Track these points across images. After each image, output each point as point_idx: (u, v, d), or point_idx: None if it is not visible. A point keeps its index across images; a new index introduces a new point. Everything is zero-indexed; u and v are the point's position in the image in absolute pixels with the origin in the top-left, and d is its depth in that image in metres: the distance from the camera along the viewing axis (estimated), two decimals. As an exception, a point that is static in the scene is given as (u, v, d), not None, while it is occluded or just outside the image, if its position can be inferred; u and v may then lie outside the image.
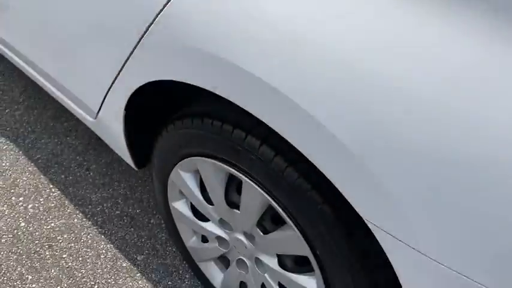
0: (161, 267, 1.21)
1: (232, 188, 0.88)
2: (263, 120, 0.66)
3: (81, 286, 1.16)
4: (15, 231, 1.27)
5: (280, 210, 0.77)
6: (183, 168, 0.93)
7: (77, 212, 1.32)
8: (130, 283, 1.17)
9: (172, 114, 0.90)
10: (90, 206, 1.34)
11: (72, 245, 1.24)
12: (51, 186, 1.38)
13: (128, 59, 0.84)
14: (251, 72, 0.63)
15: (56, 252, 1.23)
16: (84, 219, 1.30)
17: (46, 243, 1.24)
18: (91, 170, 1.43)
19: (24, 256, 1.21)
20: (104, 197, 1.36)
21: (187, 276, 1.20)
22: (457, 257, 0.54)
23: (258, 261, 0.91)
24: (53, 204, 1.33)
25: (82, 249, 1.23)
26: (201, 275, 1.13)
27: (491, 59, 0.50)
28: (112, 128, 1.07)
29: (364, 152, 0.56)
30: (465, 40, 0.51)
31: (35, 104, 1.65)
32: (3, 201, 1.34)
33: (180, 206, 1.02)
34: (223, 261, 1.06)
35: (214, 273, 1.09)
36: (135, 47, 0.81)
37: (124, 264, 1.21)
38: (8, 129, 1.56)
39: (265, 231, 0.84)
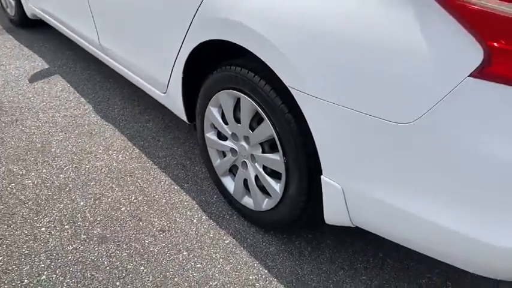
0: (199, 191, 1.86)
1: (237, 112, 1.55)
2: (266, 62, 1.31)
3: (150, 197, 1.82)
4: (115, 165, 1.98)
5: (262, 112, 1.42)
6: (212, 104, 1.62)
7: (151, 159, 2.02)
8: (178, 197, 1.82)
9: (208, 72, 1.62)
10: (160, 155, 2.04)
11: (148, 173, 1.93)
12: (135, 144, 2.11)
13: (186, 33, 1.57)
14: (252, 28, 1.31)
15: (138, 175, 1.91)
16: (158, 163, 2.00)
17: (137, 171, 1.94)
18: (160, 136, 2.16)
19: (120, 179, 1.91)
20: (168, 147, 2.06)
21: (215, 196, 1.83)
22: (340, 94, 1.13)
23: (252, 157, 1.55)
24: (137, 151, 2.05)
25: (155, 177, 1.91)
26: (222, 190, 1.76)
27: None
28: (174, 95, 1.80)
29: (279, 44, 1.21)
30: None
31: (130, 101, 2.45)
32: (106, 153, 2.07)
33: (210, 135, 1.70)
34: (234, 171, 1.69)
35: (229, 183, 1.72)
36: (190, 23, 1.54)
37: (176, 187, 1.86)
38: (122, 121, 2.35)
39: (252, 130, 1.49)
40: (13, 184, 1.87)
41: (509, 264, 1.02)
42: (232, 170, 1.72)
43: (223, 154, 1.71)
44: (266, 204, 1.56)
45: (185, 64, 1.64)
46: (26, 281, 1.46)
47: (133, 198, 1.81)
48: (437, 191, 1.05)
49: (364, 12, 1.05)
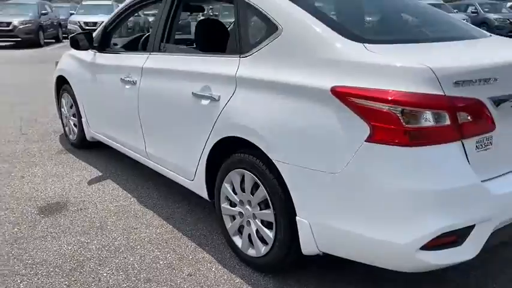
0: (217, 250, 2.51)
1: (242, 185, 2.30)
2: (259, 146, 2.11)
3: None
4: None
5: (260, 182, 2.16)
6: (225, 181, 2.38)
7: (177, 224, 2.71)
8: (201, 255, 2.47)
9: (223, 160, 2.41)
10: (187, 229, 2.72)
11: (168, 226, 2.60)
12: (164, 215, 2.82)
13: (209, 135, 2.39)
14: (252, 128, 2.13)
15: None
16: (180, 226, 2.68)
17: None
18: (184, 211, 2.87)
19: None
20: (186, 215, 2.76)
21: (223, 248, 2.48)
22: (300, 160, 1.90)
23: (253, 216, 2.25)
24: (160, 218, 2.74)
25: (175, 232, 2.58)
26: (233, 247, 2.42)
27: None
28: (199, 181, 2.57)
29: (266, 136, 2.01)
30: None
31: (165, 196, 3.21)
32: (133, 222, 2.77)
33: (225, 205, 2.43)
34: (241, 230, 2.37)
35: (238, 240, 2.39)
36: (212, 128, 2.36)
37: (199, 249, 2.52)
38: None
39: (253, 195, 2.22)
40: (81, 248, 2.56)
41: (406, 255, 1.66)
42: (240, 230, 2.40)
43: (234, 218, 2.42)
44: (264, 250, 2.22)
45: (207, 156, 2.45)
46: (95, 303, 2.08)
47: (168, 256, 2.47)
48: (361, 213, 1.75)
49: (308, 118, 1.86)
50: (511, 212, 1.81)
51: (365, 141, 1.69)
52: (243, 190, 2.29)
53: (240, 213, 2.34)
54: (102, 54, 3.59)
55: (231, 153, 2.34)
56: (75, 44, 3.56)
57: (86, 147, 4.26)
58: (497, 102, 1.75)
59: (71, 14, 18.83)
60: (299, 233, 2.00)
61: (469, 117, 1.68)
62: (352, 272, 2.29)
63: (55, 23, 17.68)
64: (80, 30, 15.60)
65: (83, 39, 3.55)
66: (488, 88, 1.73)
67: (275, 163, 2.01)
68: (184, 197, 3.20)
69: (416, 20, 2.57)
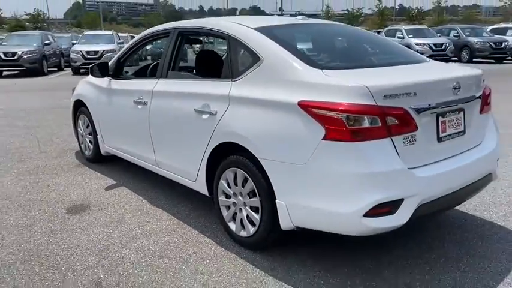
0: (215, 235, 3.12)
1: (235, 180, 2.93)
2: (248, 148, 2.75)
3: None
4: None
5: (249, 177, 2.79)
6: (222, 179, 3.00)
7: (183, 223, 3.32)
8: (203, 238, 3.07)
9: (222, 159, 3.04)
10: (192, 222, 3.33)
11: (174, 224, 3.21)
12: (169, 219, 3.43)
13: (209, 141, 3.03)
14: (242, 135, 2.79)
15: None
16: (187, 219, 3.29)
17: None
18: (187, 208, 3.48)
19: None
20: (188, 212, 3.37)
21: (221, 234, 3.09)
22: (278, 155, 2.56)
23: (244, 204, 2.88)
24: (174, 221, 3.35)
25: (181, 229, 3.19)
26: (228, 231, 3.04)
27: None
28: (200, 180, 3.20)
29: (253, 140, 2.66)
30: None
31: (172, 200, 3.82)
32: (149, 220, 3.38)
33: (222, 198, 3.05)
34: (234, 217, 2.99)
35: (233, 225, 3.01)
36: (211, 135, 2.99)
37: (201, 235, 3.13)
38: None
39: (243, 187, 2.85)
40: (105, 236, 3.16)
41: (353, 222, 2.29)
42: (234, 217, 3.02)
43: (229, 207, 3.04)
44: (252, 230, 2.83)
45: (207, 160, 3.09)
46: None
47: (176, 240, 3.08)
48: (320, 192, 2.38)
49: (283, 124, 2.51)
50: (432, 191, 2.45)
51: (322, 139, 2.34)
52: (235, 184, 2.92)
53: (234, 203, 2.97)
54: (116, 80, 4.26)
55: (226, 156, 2.98)
56: (94, 72, 4.23)
57: (99, 161, 4.89)
58: (418, 110, 2.42)
59: (73, 43, 19.64)
60: (278, 213, 2.62)
61: (395, 121, 2.33)
62: (321, 247, 2.91)
63: (57, 53, 18.50)
64: (82, 59, 16.48)
65: (100, 68, 4.23)
66: (411, 100, 2.40)
67: (260, 160, 2.65)
68: (187, 198, 3.82)
69: (367, 50, 3.26)
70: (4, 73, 16.65)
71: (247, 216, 2.87)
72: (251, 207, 2.85)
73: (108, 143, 4.52)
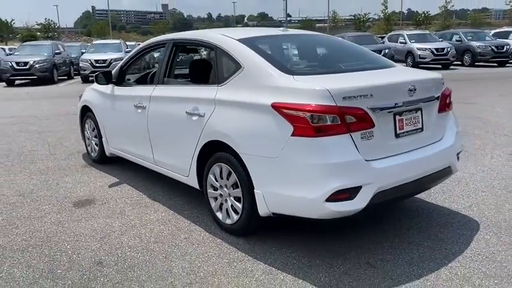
0: (204, 223, 3.49)
1: (221, 174, 3.30)
2: (231, 145, 3.12)
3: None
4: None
5: (232, 171, 3.15)
6: (210, 173, 3.38)
7: (180, 214, 3.69)
8: (194, 226, 3.44)
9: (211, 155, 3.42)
10: (186, 213, 3.71)
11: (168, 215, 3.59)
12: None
13: (198, 139, 3.41)
14: (226, 133, 3.16)
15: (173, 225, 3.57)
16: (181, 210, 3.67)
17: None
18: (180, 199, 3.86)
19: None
20: (182, 202, 3.75)
21: (210, 223, 3.46)
22: (255, 150, 2.93)
23: (229, 195, 3.25)
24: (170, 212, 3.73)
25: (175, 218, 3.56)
26: (216, 220, 3.41)
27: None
28: (192, 175, 3.58)
29: (235, 138, 3.03)
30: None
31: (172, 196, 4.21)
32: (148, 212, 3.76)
33: (210, 190, 3.42)
34: (221, 207, 3.36)
35: (220, 215, 3.37)
36: (200, 135, 3.37)
37: (193, 224, 3.50)
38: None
39: (228, 180, 3.22)
40: (107, 226, 3.55)
41: (317, 206, 2.65)
42: (221, 207, 3.39)
43: (216, 199, 3.41)
44: (236, 218, 3.20)
45: (197, 157, 3.46)
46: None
47: (169, 228, 3.46)
48: (290, 181, 2.74)
49: (259, 123, 2.89)
50: (389, 180, 2.80)
51: (290, 135, 2.71)
52: (221, 178, 3.29)
53: (220, 195, 3.34)
54: (119, 87, 4.67)
55: (213, 153, 3.35)
56: (99, 80, 4.65)
57: (104, 162, 5.29)
58: (375, 109, 2.78)
59: (82, 52, 20.23)
60: (256, 201, 2.98)
61: (353, 119, 2.69)
62: (299, 233, 3.27)
63: (67, 61, 19.10)
64: (91, 68, 17.02)
65: (104, 76, 4.64)
66: (368, 100, 2.75)
67: (241, 155, 3.02)
68: (183, 193, 4.20)
69: (339, 57, 3.63)
70: (16, 82, 17.27)
71: (232, 205, 3.24)
72: (235, 198, 3.21)
73: (112, 145, 4.92)
